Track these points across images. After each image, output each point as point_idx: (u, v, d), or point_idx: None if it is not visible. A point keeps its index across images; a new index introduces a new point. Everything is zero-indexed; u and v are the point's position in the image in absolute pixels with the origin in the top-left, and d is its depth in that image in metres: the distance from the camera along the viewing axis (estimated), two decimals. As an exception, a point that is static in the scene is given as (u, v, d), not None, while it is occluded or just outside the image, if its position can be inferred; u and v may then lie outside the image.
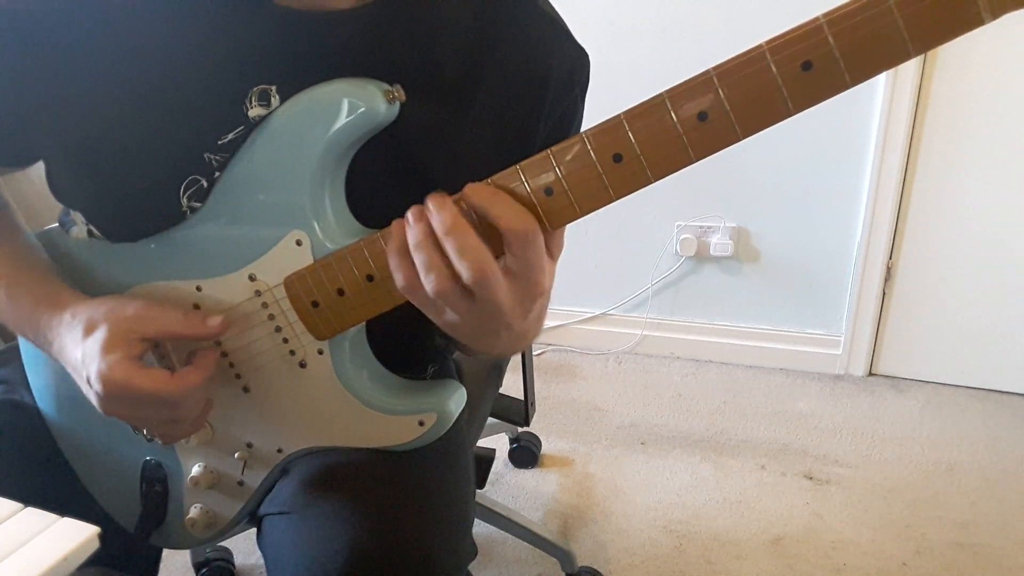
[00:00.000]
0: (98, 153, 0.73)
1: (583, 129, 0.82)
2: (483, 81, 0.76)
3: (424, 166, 0.76)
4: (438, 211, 0.61)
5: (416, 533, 0.74)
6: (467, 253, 0.60)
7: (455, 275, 0.61)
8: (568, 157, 0.61)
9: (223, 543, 1.66)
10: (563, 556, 1.62)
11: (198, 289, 0.75)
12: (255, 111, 0.71)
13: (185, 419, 0.75)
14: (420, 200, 0.66)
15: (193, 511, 0.84)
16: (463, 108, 0.76)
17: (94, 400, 0.71)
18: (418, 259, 0.62)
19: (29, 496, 0.66)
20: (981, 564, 1.62)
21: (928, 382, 2.26)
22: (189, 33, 0.71)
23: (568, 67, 0.79)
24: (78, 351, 0.71)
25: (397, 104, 0.69)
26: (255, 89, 0.71)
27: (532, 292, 0.63)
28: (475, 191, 0.62)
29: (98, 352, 0.69)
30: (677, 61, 2.05)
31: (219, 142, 0.72)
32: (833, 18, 0.53)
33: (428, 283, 0.61)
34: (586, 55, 0.81)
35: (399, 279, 0.64)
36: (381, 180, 0.76)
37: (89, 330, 0.71)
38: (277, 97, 0.71)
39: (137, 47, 0.70)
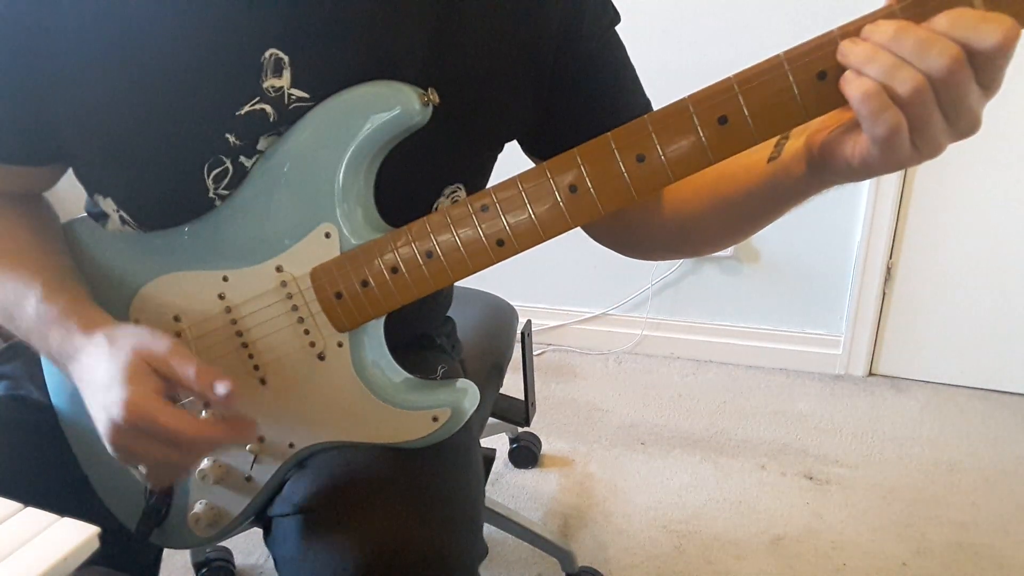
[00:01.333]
0: (117, 130, 0.73)
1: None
2: (503, 32, 0.76)
3: (470, 125, 0.77)
4: (873, 29, 0.54)
5: (432, 533, 0.74)
6: (930, 44, 0.51)
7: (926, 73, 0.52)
8: (593, 158, 0.64)
9: (223, 543, 1.65)
10: (563, 556, 1.62)
11: (224, 279, 0.77)
12: (269, 82, 0.72)
13: (183, 467, 0.74)
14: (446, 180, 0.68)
15: (197, 507, 0.83)
16: (488, 53, 0.76)
17: (103, 425, 0.69)
18: (875, 70, 0.53)
19: (31, 491, 0.66)
20: (981, 564, 1.62)
21: (928, 382, 2.27)
22: (197, 5, 0.70)
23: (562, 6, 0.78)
24: (102, 372, 0.69)
25: (431, 107, 0.71)
26: (267, 55, 0.71)
27: (997, 90, 0.54)
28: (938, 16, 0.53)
29: (123, 380, 0.67)
30: (678, 61, 2.05)
31: (236, 114, 0.72)
32: (845, 31, 0.55)
33: (902, 84, 0.52)
34: None
35: (872, 108, 0.54)
36: (411, 177, 0.77)
37: (115, 356, 0.69)
38: (289, 70, 0.71)
39: (151, 21, 0.70)
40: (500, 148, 0.86)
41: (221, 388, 0.68)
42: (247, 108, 0.72)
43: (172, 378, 0.69)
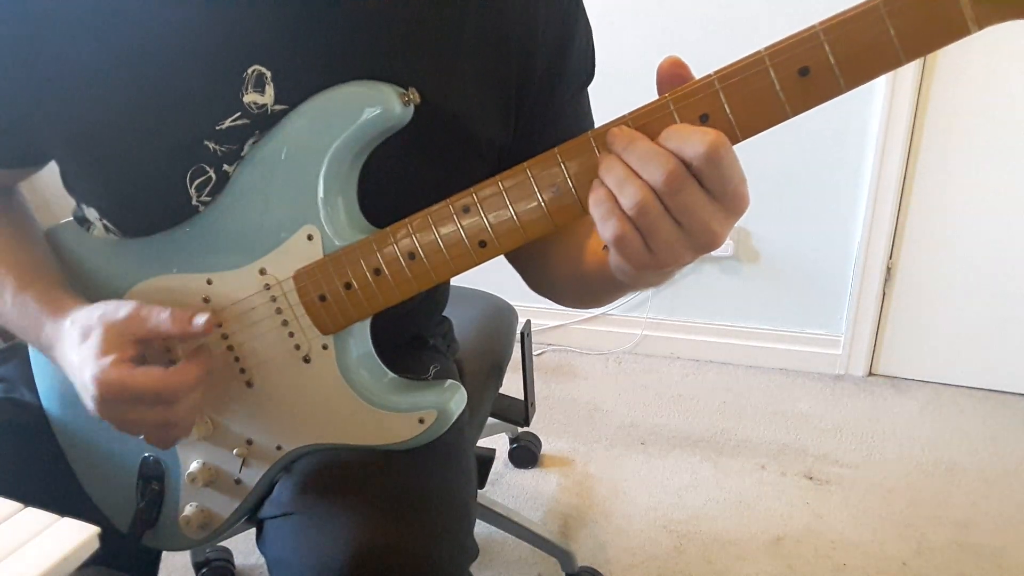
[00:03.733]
0: (100, 144, 0.73)
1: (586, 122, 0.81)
2: (468, 18, 0.75)
3: (441, 133, 0.76)
4: (617, 136, 0.59)
5: (419, 534, 0.75)
6: (651, 158, 0.56)
7: (651, 187, 0.57)
8: (577, 155, 0.62)
9: (223, 543, 1.66)
10: (563, 556, 1.62)
11: (208, 283, 0.77)
12: (250, 97, 0.72)
13: (179, 421, 0.74)
14: (433, 194, 0.67)
15: (188, 509, 0.84)
16: (459, 61, 0.76)
17: (89, 404, 0.71)
18: (610, 180, 0.58)
19: (26, 494, 0.66)
20: (981, 564, 1.62)
21: (928, 382, 2.26)
22: (180, 19, 0.71)
23: None
24: (74, 356, 0.72)
25: (412, 106, 0.70)
26: (249, 71, 0.71)
27: (738, 207, 0.58)
28: (665, 131, 0.57)
29: (93, 356, 0.69)
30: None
31: (217, 128, 0.73)
32: (829, 26, 0.55)
33: (626, 199, 0.57)
34: None
35: (600, 214, 0.59)
36: (393, 178, 0.76)
37: (85, 335, 0.71)
38: (272, 85, 0.72)
39: (129, 34, 0.70)
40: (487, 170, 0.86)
41: (200, 319, 0.71)
42: (228, 123, 0.73)
43: (147, 335, 0.71)
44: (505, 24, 0.76)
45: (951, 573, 1.60)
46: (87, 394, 0.71)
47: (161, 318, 0.71)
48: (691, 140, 0.55)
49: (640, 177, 0.56)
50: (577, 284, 0.83)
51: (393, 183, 0.77)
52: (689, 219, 0.57)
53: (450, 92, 0.76)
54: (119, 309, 0.72)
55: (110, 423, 0.73)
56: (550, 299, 0.91)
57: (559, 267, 0.85)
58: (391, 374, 0.80)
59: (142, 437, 0.76)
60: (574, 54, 0.81)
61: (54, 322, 0.75)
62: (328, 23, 0.72)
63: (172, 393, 0.70)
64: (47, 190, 0.89)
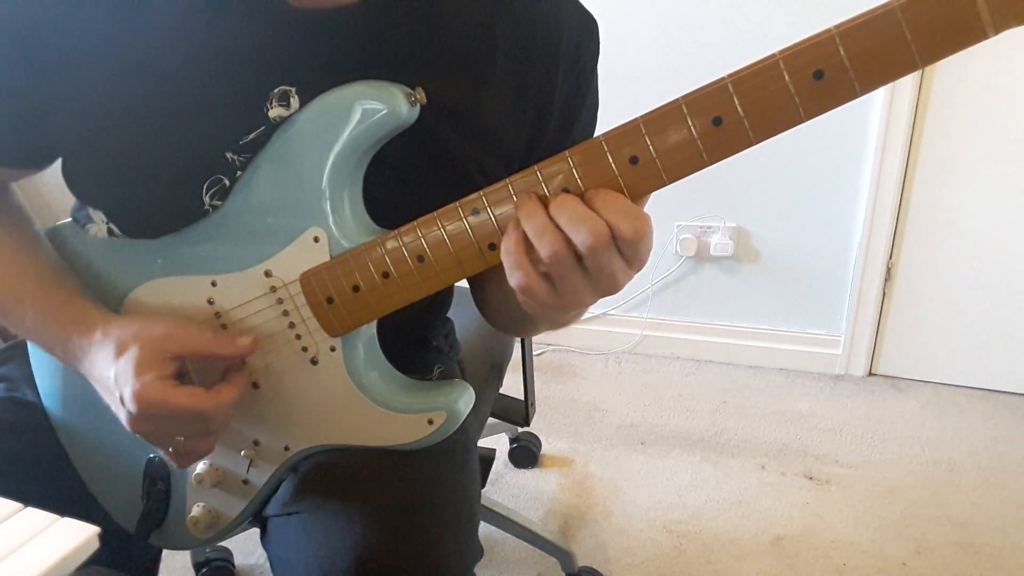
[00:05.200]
0: (119, 153, 0.73)
1: (595, 126, 0.82)
2: (497, 55, 0.76)
3: (450, 150, 0.76)
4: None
5: (425, 534, 0.75)
6: (584, 221, 0.59)
7: (568, 240, 0.60)
8: (586, 160, 0.62)
9: (223, 543, 1.66)
10: (563, 556, 1.62)
11: (213, 284, 0.76)
12: (275, 111, 0.72)
13: (211, 438, 0.75)
14: (440, 197, 0.67)
15: (195, 510, 0.84)
16: (481, 86, 0.76)
17: (124, 418, 0.71)
18: (530, 227, 0.61)
19: (29, 494, 0.67)
20: (981, 564, 1.62)
21: (928, 382, 2.26)
22: (208, 34, 0.71)
23: (576, 34, 0.79)
24: (110, 371, 0.71)
25: (418, 106, 0.70)
26: (275, 91, 0.71)
27: (641, 266, 0.63)
28: (597, 194, 0.61)
29: (131, 372, 0.69)
30: (678, 61, 2.05)
31: (240, 142, 0.72)
32: (845, 30, 0.54)
33: (543, 247, 0.60)
34: (594, 21, 0.81)
35: (509, 263, 0.63)
36: (401, 181, 0.76)
37: (120, 350, 0.71)
38: (297, 98, 0.72)
39: (156, 49, 0.70)
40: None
41: (243, 340, 0.73)
42: (252, 135, 0.73)
43: (184, 352, 0.72)
44: (530, 55, 0.77)
45: (951, 573, 1.60)
46: (123, 409, 0.71)
47: (203, 336, 0.72)
48: (625, 219, 0.59)
49: (560, 229, 0.60)
50: (503, 307, 0.85)
51: (400, 185, 0.77)
52: (599, 273, 0.61)
53: (472, 109, 0.76)
54: (156, 325, 0.72)
55: (141, 436, 0.73)
56: (486, 318, 0.93)
57: (495, 288, 0.85)
58: (399, 375, 0.80)
59: (170, 450, 0.76)
60: (586, 106, 0.82)
61: (80, 335, 0.75)
62: (356, 43, 0.72)
63: (213, 414, 0.71)
64: (47, 190, 0.88)
